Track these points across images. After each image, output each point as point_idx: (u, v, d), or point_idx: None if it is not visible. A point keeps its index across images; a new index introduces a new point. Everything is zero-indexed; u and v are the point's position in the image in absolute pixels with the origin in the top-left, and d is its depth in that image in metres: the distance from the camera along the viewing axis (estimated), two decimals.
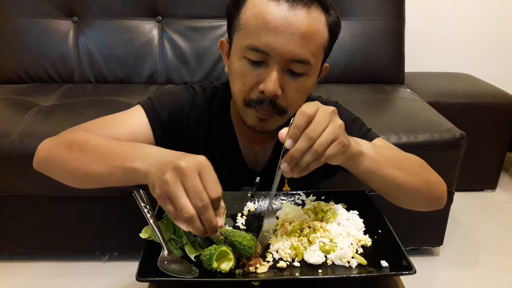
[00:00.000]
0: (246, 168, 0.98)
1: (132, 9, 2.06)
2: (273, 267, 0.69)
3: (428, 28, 2.43)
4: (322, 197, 0.89)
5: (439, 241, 1.74)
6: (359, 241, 0.75)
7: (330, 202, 0.86)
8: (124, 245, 1.69)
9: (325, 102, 0.98)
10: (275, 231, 0.78)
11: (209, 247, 0.68)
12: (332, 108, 0.67)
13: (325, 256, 0.71)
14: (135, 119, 0.88)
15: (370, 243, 0.75)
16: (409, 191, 0.81)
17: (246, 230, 0.78)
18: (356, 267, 0.70)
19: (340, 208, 0.84)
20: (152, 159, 0.65)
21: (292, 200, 0.89)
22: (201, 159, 0.61)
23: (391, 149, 0.88)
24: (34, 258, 1.71)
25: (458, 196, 1.70)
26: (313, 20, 0.77)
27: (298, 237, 0.76)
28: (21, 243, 1.66)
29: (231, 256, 0.68)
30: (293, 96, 0.81)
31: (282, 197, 0.90)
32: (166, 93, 0.96)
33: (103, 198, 1.58)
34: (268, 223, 0.74)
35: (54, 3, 2.03)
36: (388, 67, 2.15)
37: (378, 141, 0.91)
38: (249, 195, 0.89)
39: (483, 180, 2.23)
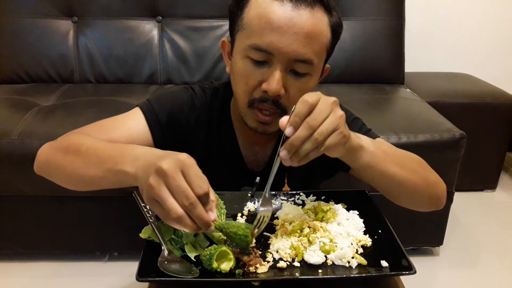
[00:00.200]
0: (246, 168, 0.98)
1: (132, 9, 2.06)
2: (273, 267, 0.69)
3: (428, 28, 2.43)
4: (322, 197, 0.89)
5: (439, 241, 1.74)
6: (359, 241, 0.75)
7: (330, 202, 0.87)
8: (124, 245, 1.69)
9: None
10: (276, 217, 0.77)
11: (209, 247, 0.68)
12: (333, 98, 0.67)
13: (325, 256, 0.71)
14: (133, 122, 0.88)
15: (370, 243, 0.75)
16: (409, 188, 0.81)
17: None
18: (356, 267, 0.70)
19: (340, 208, 0.84)
20: (139, 162, 0.65)
21: (292, 200, 0.89)
22: (183, 157, 0.60)
23: (390, 146, 0.88)
24: (34, 258, 1.71)
25: (458, 196, 1.70)
26: (317, 20, 0.77)
27: (298, 237, 0.76)
28: (21, 243, 1.66)
29: (231, 256, 0.68)
30: (296, 96, 0.81)
31: (282, 197, 0.90)
32: (165, 95, 0.96)
33: (103, 198, 1.58)
34: (263, 211, 0.74)
35: (54, 3, 2.03)
36: (388, 67, 2.15)
37: (378, 141, 0.91)
38: (249, 195, 0.89)
39: (483, 180, 2.23)
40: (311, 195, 0.90)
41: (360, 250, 0.74)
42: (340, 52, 2.04)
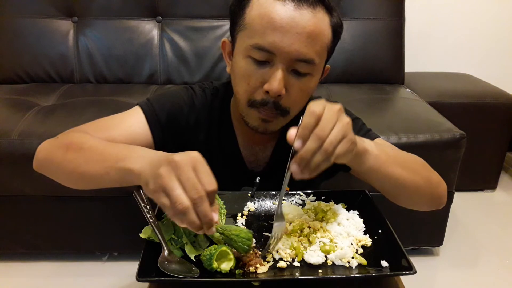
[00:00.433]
0: (246, 168, 0.98)
1: (132, 9, 2.06)
2: (273, 267, 0.69)
3: (428, 28, 2.43)
4: (322, 197, 0.89)
5: (439, 241, 1.74)
6: (359, 241, 0.75)
7: (330, 202, 0.87)
8: (124, 245, 1.69)
9: None
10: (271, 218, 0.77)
11: (209, 247, 0.68)
12: (338, 105, 0.67)
13: (325, 256, 0.71)
14: (133, 121, 0.88)
15: (370, 243, 0.75)
16: (411, 189, 0.81)
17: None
18: (356, 267, 0.70)
19: (340, 208, 0.84)
20: (146, 160, 0.65)
21: (292, 200, 0.89)
22: (195, 154, 0.61)
23: (392, 148, 0.88)
24: (34, 258, 1.71)
25: (458, 196, 1.70)
26: (318, 20, 0.77)
27: (298, 237, 0.76)
28: (21, 243, 1.66)
29: (231, 256, 0.68)
30: (297, 96, 0.81)
31: (283, 197, 0.89)
32: (165, 94, 0.96)
33: (103, 198, 1.58)
34: (277, 227, 0.74)
35: (54, 3, 2.03)
36: (388, 67, 2.16)
37: (378, 141, 0.91)
38: (249, 195, 0.89)
39: (483, 180, 2.23)
40: (311, 195, 0.90)
41: (360, 250, 0.74)
42: (340, 52, 2.04)
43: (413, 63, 2.33)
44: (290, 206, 0.85)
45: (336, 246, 0.73)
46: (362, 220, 0.81)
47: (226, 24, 2.08)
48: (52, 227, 1.63)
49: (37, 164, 0.83)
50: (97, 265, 1.70)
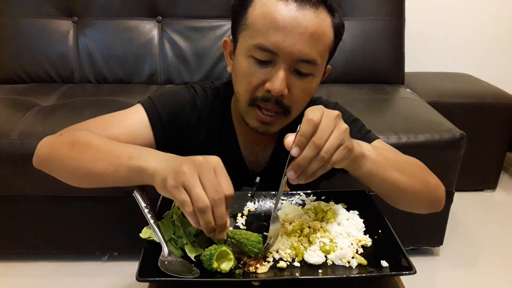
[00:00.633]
0: (246, 168, 0.98)
1: (132, 9, 2.06)
2: (273, 267, 0.69)
3: (428, 28, 2.43)
4: (322, 197, 0.89)
5: (439, 241, 1.74)
6: (359, 241, 0.75)
7: (330, 202, 0.87)
8: (124, 245, 1.69)
9: (325, 104, 0.98)
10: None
11: (209, 247, 0.68)
12: (336, 112, 0.67)
13: (325, 256, 0.71)
14: (135, 118, 0.88)
15: (370, 243, 0.75)
16: (409, 193, 0.81)
17: (246, 230, 0.78)
18: (356, 267, 0.70)
19: (340, 208, 0.84)
20: (160, 158, 0.67)
21: (292, 200, 0.89)
22: (216, 158, 0.63)
23: (391, 151, 0.88)
24: (34, 258, 1.71)
25: (458, 196, 1.70)
26: (321, 21, 0.77)
27: (298, 237, 0.76)
28: (21, 243, 1.66)
29: (231, 256, 0.68)
30: (298, 96, 0.81)
31: (282, 197, 0.90)
32: (167, 93, 0.96)
33: (103, 198, 1.58)
34: (273, 229, 0.74)
35: (54, 3, 2.03)
36: (388, 67, 2.15)
37: (377, 142, 0.91)
38: (249, 195, 0.89)
39: (483, 180, 2.23)
40: (311, 195, 0.90)
41: (360, 250, 0.74)
42: (340, 52, 2.01)
43: (413, 63, 2.33)
44: (290, 206, 0.85)
45: (336, 246, 0.73)
46: (362, 220, 0.81)
47: (226, 24, 2.08)
48: (52, 227, 1.63)
49: (37, 160, 0.82)
50: (97, 265, 1.70)
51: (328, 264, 0.70)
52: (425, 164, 0.87)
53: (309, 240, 0.75)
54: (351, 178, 0.90)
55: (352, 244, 0.74)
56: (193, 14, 2.08)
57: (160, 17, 2.09)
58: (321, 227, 0.77)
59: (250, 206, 0.87)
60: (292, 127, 0.72)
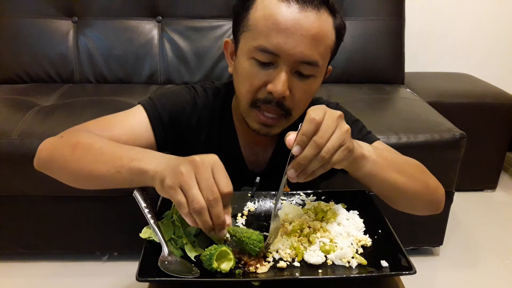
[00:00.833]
0: (247, 168, 0.98)
1: (132, 9, 2.06)
2: (273, 267, 0.69)
3: (428, 28, 2.43)
4: (322, 197, 0.89)
5: (439, 241, 1.74)
6: (359, 241, 0.75)
7: (330, 202, 0.86)
8: (124, 245, 1.69)
9: (326, 104, 0.97)
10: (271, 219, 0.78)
11: (209, 247, 0.68)
12: (339, 112, 0.67)
13: (325, 256, 0.71)
14: (136, 119, 0.88)
15: (370, 243, 0.75)
16: (409, 194, 0.81)
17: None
18: (356, 267, 0.70)
19: (340, 208, 0.84)
20: (160, 160, 0.67)
21: (292, 200, 0.89)
22: (214, 157, 0.64)
23: (391, 152, 0.88)
24: (34, 258, 1.71)
25: (458, 196, 1.70)
26: (323, 22, 0.77)
27: (298, 237, 0.76)
28: (21, 243, 1.66)
29: (231, 256, 0.68)
30: (300, 97, 0.81)
31: (282, 197, 0.90)
32: (167, 94, 0.96)
33: (103, 198, 1.58)
34: (273, 227, 0.74)
35: (54, 3, 2.03)
36: (388, 67, 2.16)
37: (377, 143, 0.91)
38: (249, 195, 0.89)
39: (483, 180, 2.23)
40: (311, 195, 0.90)
41: (360, 250, 0.74)
42: (340, 52, 1.99)
43: (413, 63, 2.34)
44: (290, 206, 0.85)
45: (336, 246, 0.73)
46: (362, 220, 0.81)
47: (226, 24, 2.08)
48: (52, 227, 1.63)
49: (38, 163, 0.82)
50: (97, 265, 1.70)
51: (328, 264, 0.70)
52: (425, 164, 0.87)
53: (309, 240, 0.75)
54: (351, 178, 0.90)
55: (352, 244, 0.74)
56: (193, 14, 2.08)
57: (160, 17, 2.09)
58: (321, 227, 0.77)
59: (250, 206, 0.87)
60: (293, 128, 0.72)
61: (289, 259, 0.71)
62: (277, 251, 0.72)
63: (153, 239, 0.72)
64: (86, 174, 0.75)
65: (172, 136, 0.91)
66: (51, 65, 2.03)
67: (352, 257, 0.71)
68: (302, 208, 0.85)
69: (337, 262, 0.70)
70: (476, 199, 2.19)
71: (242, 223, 0.82)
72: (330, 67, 0.89)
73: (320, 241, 0.74)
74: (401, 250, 0.70)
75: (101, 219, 1.64)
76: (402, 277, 0.75)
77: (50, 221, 1.62)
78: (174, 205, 0.77)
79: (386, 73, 2.15)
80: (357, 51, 2.10)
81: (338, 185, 1.04)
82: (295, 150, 0.65)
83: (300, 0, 0.75)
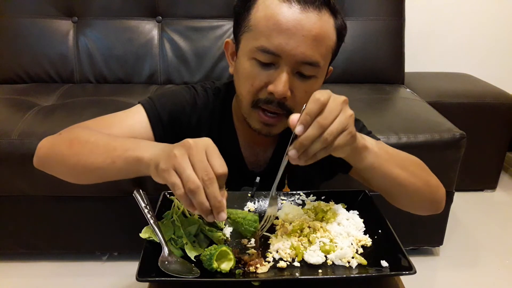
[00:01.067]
0: (247, 169, 0.98)
1: (132, 9, 2.06)
2: (273, 267, 0.69)
3: (428, 28, 2.43)
4: (322, 197, 0.89)
5: (439, 241, 1.74)
6: (359, 241, 0.75)
7: (330, 202, 0.87)
8: (124, 245, 1.69)
9: None
10: (277, 217, 0.79)
11: (209, 247, 0.68)
12: (343, 97, 0.67)
13: (325, 256, 0.71)
14: (135, 119, 0.88)
15: (370, 243, 0.75)
16: (410, 191, 0.81)
17: None
18: (356, 267, 0.70)
19: (340, 208, 0.84)
20: (155, 147, 0.67)
21: (292, 200, 0.89)
22: (208, 140, 0.63)
23: (392, 149, 0.88)
24: (34, 258, 1.71)
25: (458, 196, 1.70)
26: (324, 23, 0.77)
27: (298, 237, 0.76)
28: (21, 243, 1.66)
29: (231, 256, 0.68)
30: (301, 98, 0.81)
31: (282, 197, 0.90)
32: (167, 93, 0.96)
33: (103, 198, 1.58)
34: (271, 210, 0.75)
35: (54, 3, 2.03)
36: (388, 67, 2.16)
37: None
38: (249, 195, 0.89)
39: (483, 180, 2.23)
40: (311, 195, 0.90)
41: (360, 250, 0.74)
42: (340, 52, 2.01)
43: (413, 63, 2.33)
44: (290, 206, 0.85)
45: (336, 246, 0.73)
46: (362, 220, 0.81)
47: (226, 24, 2.08)
48: (52, 227, 1.63)
49: (37, 160, 0.83)
50: (97, 265, 1.70)
51: (328, 264, 0.70)
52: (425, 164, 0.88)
53: (309, 240, 0.75)
54: (351, 178, 0.90)
55: (352, 244, 0.74)
56: (193, 14, 2.08)
57: (160, 17, 2.09)
58: (321, 227, 0.77)
59: (250, 206, 0.87)
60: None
61: (289, 259, 0.71)
62: (277, 251, 0.72)
63: (153, 239, 0.72)
64: (83, 167, 0.75)
65: (172, 136, 0.91)
66: (51, 65, 2.03)
67: (352, 257, 0.71)
68: (302, 208, 0.85)
69: (337, 262, 0.70)
70: (476, 199, 2.19)
71: None
72: (331, 67, 0.89)
73: (320, 241, 0.74)
74: (401, 250, 0.70)
75: (101, 219, 1.64)
76: (402, 277, 0.75)
77: (50, 221, 1.62)
78: (174, 205, 0.78)
79: (386, 73, 2.15)
80: (357, 51, 2.10)
81: (338, 185, 1.04)
82: (298, 129, 0.65)
83: (302, 1, 0.75)
